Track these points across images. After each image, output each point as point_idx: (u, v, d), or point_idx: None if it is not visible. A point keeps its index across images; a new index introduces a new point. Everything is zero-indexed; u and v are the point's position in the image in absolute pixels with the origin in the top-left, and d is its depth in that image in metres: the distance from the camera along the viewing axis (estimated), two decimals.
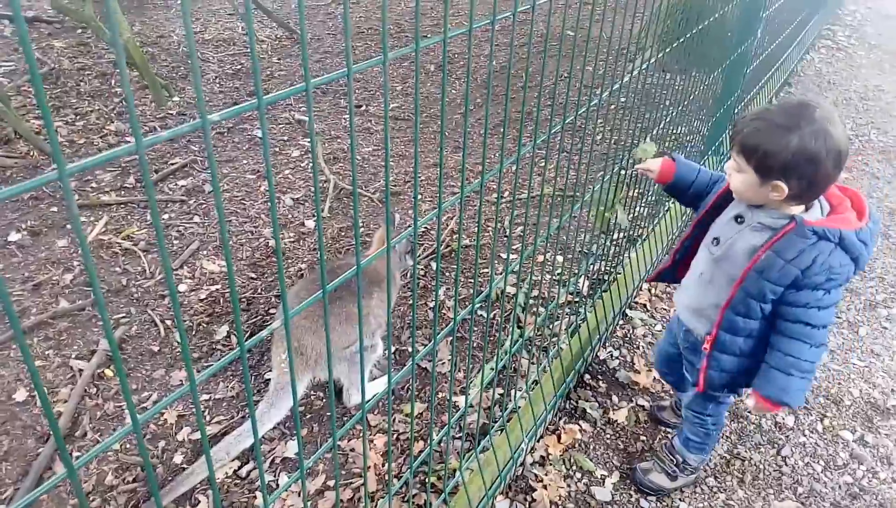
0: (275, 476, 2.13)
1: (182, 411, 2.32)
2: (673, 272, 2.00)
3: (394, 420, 2.35)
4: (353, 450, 2.23)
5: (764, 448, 2.38)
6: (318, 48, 5.74)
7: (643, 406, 2.49)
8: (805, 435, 2.45)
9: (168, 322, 2.70)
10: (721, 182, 1.83)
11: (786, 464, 2.33)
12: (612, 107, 4.39)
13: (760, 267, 1.57)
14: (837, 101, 5.60)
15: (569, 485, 2.18)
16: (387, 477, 1.58)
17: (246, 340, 2.51)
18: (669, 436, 2.33)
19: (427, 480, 1.98)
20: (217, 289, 2.89)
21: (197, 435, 2.22)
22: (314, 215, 3.47)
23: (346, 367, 2.28)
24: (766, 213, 1.60)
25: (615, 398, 2.51)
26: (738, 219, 1.67)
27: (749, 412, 2.50)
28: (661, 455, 2.20)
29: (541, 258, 3.08)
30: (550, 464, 2.23)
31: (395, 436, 2.29)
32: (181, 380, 2.42)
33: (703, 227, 1.83)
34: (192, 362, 2.52)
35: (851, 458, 2.37)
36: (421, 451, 2.19)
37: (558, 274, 3.00)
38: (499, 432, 2.10)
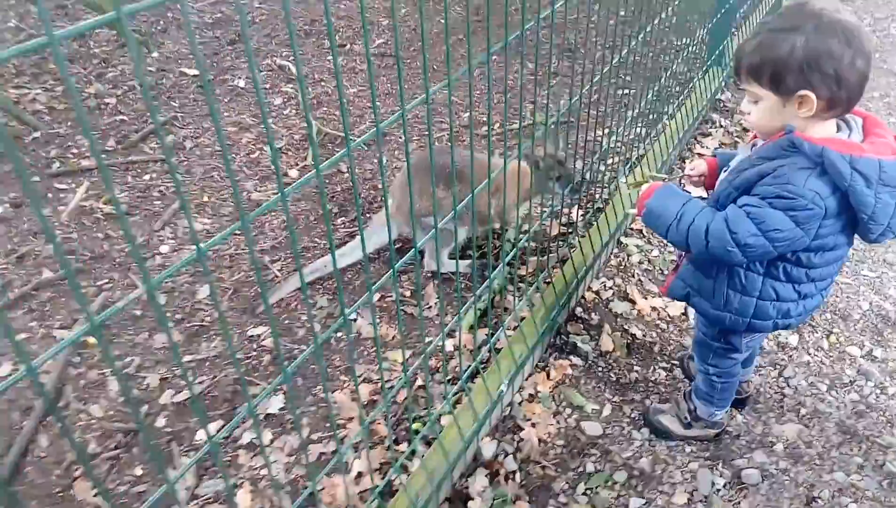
0: (258, 434, 2.10)
1: (164, 374, 2.29)
2: None
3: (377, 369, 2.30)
4: (335, 403, 2.19)
5: (765, 369, 2.28)
6: None
7: (635, 336, 2.40)
8: (809, 354, 2.34)
9: None
10: None
11: (788, 385, 2.23)
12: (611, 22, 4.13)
13: (731, 171, 1.49)
14: None
15: (558, 422, 2.11)
16: (362, 423, 1.55)
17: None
18: (689, 385, 2.21)
19: (410, 426, 1.94)
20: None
21: (180, 397, 2.21)
22: (297, 165, 3.37)
23: (421, 235, 2.22)
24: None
25: (608, 330, 2.41)
26: (753, 147, 1.56)
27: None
28: (678, 400, 2.10)
29: None
30: (539, 402, 2.16)
31: (378, 385, 2.24)
32: (163, 343, 2.40)
33: None
34: (175, 323, 2.50)
35: (858, 374, 2.26)
36: (406, 399, 2.14)
37: (549, 205, 2.87)
38: (483, 372, 2.03)
